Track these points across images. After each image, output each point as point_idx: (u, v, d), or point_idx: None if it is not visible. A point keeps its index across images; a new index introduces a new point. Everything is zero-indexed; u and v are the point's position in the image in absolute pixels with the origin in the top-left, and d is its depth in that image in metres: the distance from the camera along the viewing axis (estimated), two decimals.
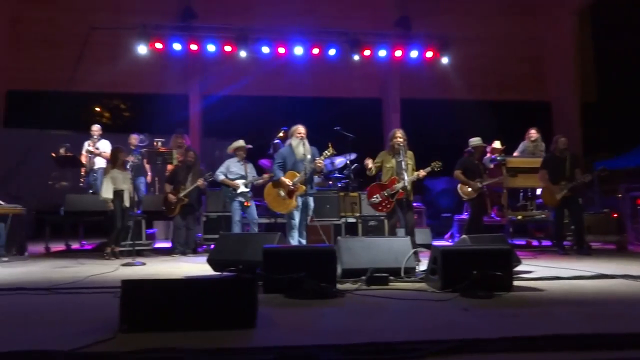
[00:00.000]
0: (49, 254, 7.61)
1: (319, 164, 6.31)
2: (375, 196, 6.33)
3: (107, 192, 6.84)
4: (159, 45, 10.03)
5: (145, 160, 8.67)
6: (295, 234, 6.37)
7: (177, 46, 10.09)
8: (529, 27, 12.32)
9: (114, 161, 7.08)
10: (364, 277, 4.33)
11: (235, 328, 2.74)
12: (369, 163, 6.41)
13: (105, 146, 8.90)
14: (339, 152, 7.73)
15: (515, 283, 4.13)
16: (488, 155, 8.79)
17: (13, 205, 7.03)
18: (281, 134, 8.27)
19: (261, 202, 7.60)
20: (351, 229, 8.01)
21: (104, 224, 7.20)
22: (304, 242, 6.38)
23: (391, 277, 4.44)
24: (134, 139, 8.81)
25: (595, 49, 12.54)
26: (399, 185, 6.17)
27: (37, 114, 10.85)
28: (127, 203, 6.95)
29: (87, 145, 8.97)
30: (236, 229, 7.27)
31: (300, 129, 6.47)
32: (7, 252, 6.63)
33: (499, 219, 8.60)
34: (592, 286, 4.26)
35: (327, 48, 10.37)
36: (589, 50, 12.36)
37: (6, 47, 10.91)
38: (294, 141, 6.45)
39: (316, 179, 7.17)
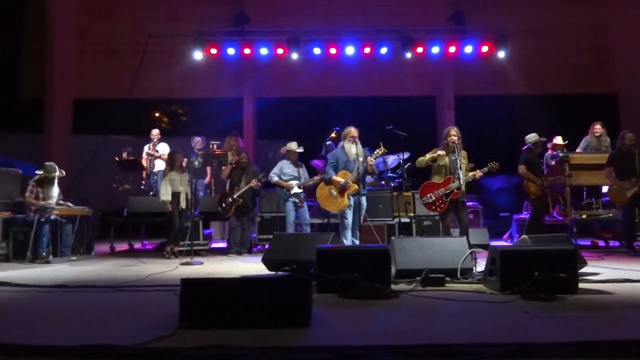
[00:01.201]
0: (113, 254, 7.99)
1: (370, 164, 6.31)
2: (428, 195, 6.15)
3: (165, 195, 7.11)
4: (213, 51, 10.30)
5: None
6: (349, 233, 6.36)
7: (230, 50, 10.32)
8: (592, 15, 11.66)
9: (172, 164, 7.34)
10: (419, 278, 4.26)
11: (290, 327, 2.76)
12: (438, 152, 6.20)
13: (164, 149, 9.26)
14: (392, 151, 7.65)
15: (581, 285, 3.94)
16: (549, 151, 8.42)
17: (81, 207, 7.44)
18: (333, 135, 8.29)
19: (314, 203, 7.64)
20: (405, 229, 7.90)
21: (164, 224, 7.48)
22: (357, 242, 6.36)
23: (447, 278, 4.35)
24: (198, 142, 9.09)
25: None
26: (454, 185, 6.00)
27: (102, 121, 11.42)
28: (183, 205, 7.18)
29: (147, 149, 9.36)
30: (290, 229, 7.35)
31: (353, 131, 6.48)
32: (75, 252, 7.01)
33: (561, 218, 8.22)
34: None
35: (379, 47, 10.27)
36: None
37: (74, 58, 11.54)
38: (346, 144, 6.48)
39: (369, 178, 7.13)
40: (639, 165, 6.84)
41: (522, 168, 7.11)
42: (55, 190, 7.11)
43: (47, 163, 7.17)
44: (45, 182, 7.03)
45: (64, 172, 7.25)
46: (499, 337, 2.48)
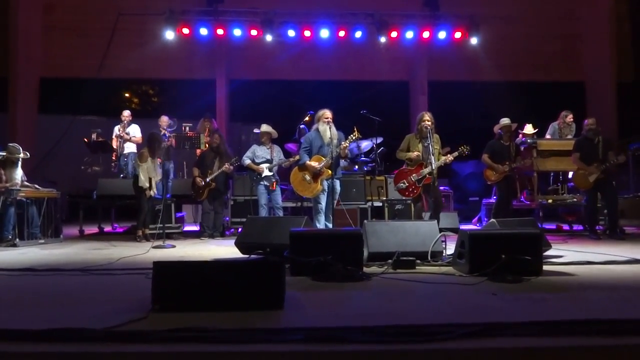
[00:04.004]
0: (82, 237, 7.85)
1: (344, 148, 6.34)
2: (402, 182, 6.31)
3: (145, 181, 7.01)
4: (185, 31, 10.08)
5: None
6: (322, 217, 6.40)
7: (203, 31, 10.13)
8: (562, 4, 11.87)
9: (155, 149, 7.19)
10: (390, 261, 4.33)
11: (263, 309, 2.78)
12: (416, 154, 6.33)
13: (135, 131, 9.07)
14: (365, 136, 7.69)
15: (545, 267, 4.07)
16: (520, 137, 8.62)
17: (48, 189, 7.26)
18: (307, 118, 8.27)
19: (287, 187, 7.64)
20: (377, 213, 8.00)
21: (135, 207, 7.38)
22: (330, 225, 6.40)
23: (418, 261, 4.42)
24: (164, 121, 8.92)
25: (633, 26, 12.03)
26: (425, 171, 6.14)
27: (69, 101, 11.09)
28: (154, 190, 7.12)
29: (116, 130, 9.15)
30: (263, 212, 7.34)
31: (327, 113, 6.46)
32: (43, 235, 6.86)
33: (528, 202, 8.45)
34: (624, 271, 4.16)
35: (354, 30, 10.24)
36: (626, 27, 11.86)
37: (40, 35, 11.13)
38: (321, 126, 6.45)
39: (342, 162, 7.17)
40: (602, 151, 7.04)
41: (484, 157, 7.36)
42: (19, 173, 6.91)
43: (10, 144, 6.96)
44: (7, 164, 6.82)
45: (28, 154, 7.06)
46: (467, 318, 2.55)
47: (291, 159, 7.42)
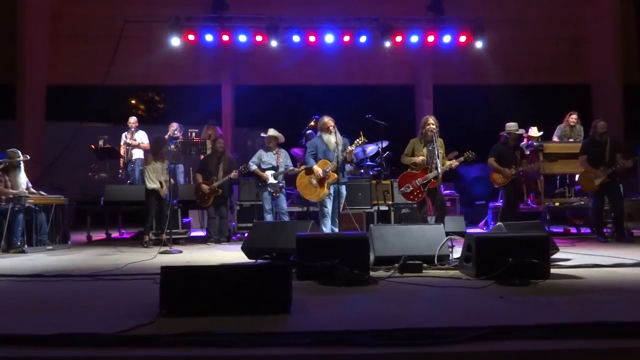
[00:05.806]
0: (90, 243, 7.89)
1: (349, 152, 6.35)
2: (406, 185, 6.29)
3: (153, 183, 7.05)
4: (191, 37, 10.14)
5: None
6: (328, 222, 6.41)
7: (209, 37, 10.18)
8: (567, 6, 11.83)
9: (158, 151, 7.24)
10: (397, 265, 4.32)
11: (270, 313, 2.79)
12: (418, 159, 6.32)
13: (142, 137, 9.13)
14: (371, 140, 7.71)
15: (553, 271, 4.05)
16: (525, 141, 8.59)
17: (56, 196, 7.31)
18: (312, 123, 8.28)
19: (293, 191, 7.65)
20: (383, 217, 7.99)
21: (141, 213, 7.42)
22: (336, 230, 6.40)
23: (424, 265, 4.42)
24: (173, 126, 8.99)
25: (638, 28, 11.98)
26: (431, 175, 6.14)
27: (76, 108, 11.18)
28: (161, 193, 7.16)
29: (124, 137, 9.21)
30: (268, 217, 7.36)
31: (330, 122, 6.48)
32: (51, 241, 6.90)
33: (535, 206, 8.42)
34: (633, 274, 4.14)
35: (358, 35, 10.27)
36: (631, 28, 11.81)
37: (47, 43, 11.23)
38: (324, 135, 6.51)
39: (348, 167, 7.17)
40: (609, 154, 7.00)
41: (490, 160, 7.28)
42: (23, 177, 6.97)
43: (9, 150, 7.02)
44: (11, 170, 6.88)
45: (28, 156, 7.12)
46: (475, 321, 2.54)
47: (296, 169, 7.43)
